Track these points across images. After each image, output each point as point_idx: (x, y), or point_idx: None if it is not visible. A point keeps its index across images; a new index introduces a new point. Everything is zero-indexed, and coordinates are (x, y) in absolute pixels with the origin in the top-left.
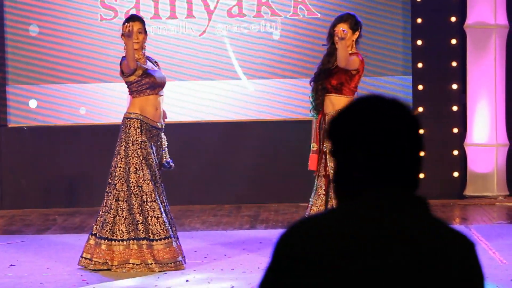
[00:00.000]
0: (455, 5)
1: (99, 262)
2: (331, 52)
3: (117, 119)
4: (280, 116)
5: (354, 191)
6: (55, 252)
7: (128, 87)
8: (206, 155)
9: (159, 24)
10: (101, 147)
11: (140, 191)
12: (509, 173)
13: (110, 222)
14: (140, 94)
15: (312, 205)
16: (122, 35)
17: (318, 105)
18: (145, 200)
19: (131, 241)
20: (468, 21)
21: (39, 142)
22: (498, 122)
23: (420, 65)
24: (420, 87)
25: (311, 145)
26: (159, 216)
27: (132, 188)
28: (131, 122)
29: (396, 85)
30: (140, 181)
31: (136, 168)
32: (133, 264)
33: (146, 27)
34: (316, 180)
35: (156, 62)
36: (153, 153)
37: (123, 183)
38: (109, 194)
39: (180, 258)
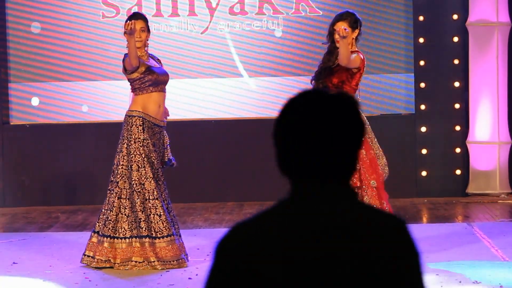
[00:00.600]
0: (457, 2)
1: (101, 260)
2: (331, 50)
3: (120, 116)
4: None
5: (292, 180)
6: (58, 250)
7: (130, 84)
8: (208, 153)
9: (161, 22)
10: (104, 145)
11: (142, 189)
12: None
13: (112, 220)
14: (142, 92)
15: None
16: (125, 32)
17: None
18: (147, 198)
19: (134, 239)
20: (470, 19)
21: (41, 139)
22: (501, 120)
23: (422, 63)
24: (422, 85)
25: None
26: (162, 214)
27: (134, 186)
28: (133, 120)
29: (399, 82)
30: (142, 178)
31: (138, 166)
32: (135, 262)
33: (148, 24)
34: None
35: (159, 59)
36: (155, 150)
37: (125, 181)
38: (112, 192)
39: (182, 256)
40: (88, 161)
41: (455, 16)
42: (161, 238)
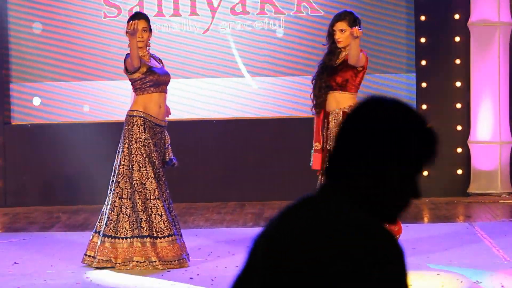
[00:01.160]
0: (459, 2)
1: (103, 260)
2: (332, 50)
3: (121, 116)
4: (283, 114)
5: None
6: (59, 250)
7: (132, 84)
8: (209, 153)
9: (162, 22)
10: (105, 145)
11: (143, 189)
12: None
13: (113, 220)
14: (143, 92)
15: None
16: (127, 32)
17: (320, 103)
18: (148, 197)
19: (135, 239)
20: (472, 19)
21: (43, 139)
22: (502, 120)
23: (423, 62)
24: (424, 84)
25: (314, 144)
26: (163, 213)
27: (135, 185)
28: (134, 120)
29: (400, 82)
30: (144, 178)
31: (139, 165)
32: (137, 261)
33: (150, 24)
34: (319, 178)
35: (160, 59)
36: (157, 150)
37: (126, 181)
38: (113, 192)
39: (184, 256)
40: (89, 161)
41: (456, 16)
42: (162, 238)
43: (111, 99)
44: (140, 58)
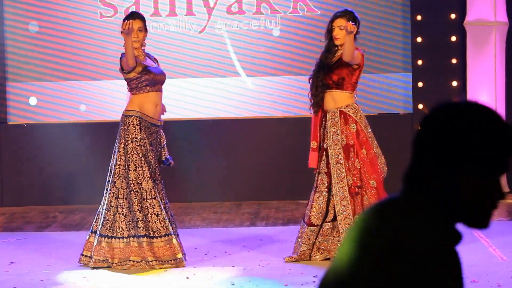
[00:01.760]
0: (455, 2)
1: (99, 260)
2: (329, 48)
3: (117, 116)
4: (280, 113)
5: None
6: (55, 250)
7: (127, 83)
8: (205, 152)
9: (158, 21)
10: (101, 145)
11: (139, 189)
12: (509, 170)
13: (110, 219)
14: (139, 91)
15: (313, 202)
16: (122, 32)
17: (318, 102)
18: (144, 197)
19: (131, 239)
20: (468, 18)
21: (39, 139)
22: None
23: (420, 62)
24: (420, 84)
25: (311, 143)
26: (159, 213)
27: (131, 185)
28: (130, 120)
29: (396, 82)
30: (140, 178)
31: (135, 165)
32: (133, 261)
33: (146, 24)
34: (316, 177)
35: (155, 58)
36: (152, 150)
37: (122, 181)
38: (109, 191)
39: (180, 255)
40: (86, 161)
41: (453, 16)
42: (158, 238)
43: (107, 99)
44: (136, 58)
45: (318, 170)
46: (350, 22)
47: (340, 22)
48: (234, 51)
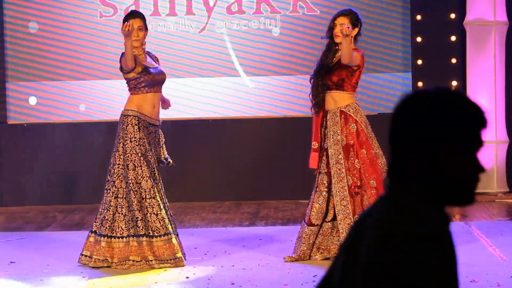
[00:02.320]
0: (455, 1)
1: (99, 259)
2: (330, 47)
3: (117, 116)
4: (279, 113)
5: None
6: (55, 249)
7: (127, 83)
8: (205, 152)
9: (158, 21)
10: (101, 144)
11: (139, 188)
12: (509, 169)
13: (109, 219)
14: (138, 92)
15: (313, 202)
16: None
17: (319, 103)
18: (144, 197)
19: (131, 238)
20: (468, 18)
21: (39, 139)
22: (498, 119)
23: (419, 62)
24: (420, 84)
25: (312, 143)
26: (159, 212)
27: (131, 185)
28: (129, 119)
29: (396, 82)
30: (139, 178)
31: (134, 165)
32: (133, 261)
33: (146, 23)
34: (317, 177)
35: (156, 57)
36: (151, 149)
37: (122, 180)
38: (108, 191)
39: (180, 255)
40: (86, 160)
41: (452, 15)
42: (158, 237)
43: (107, 98)
44: (136, 58)
45: (318, 170)
46: (346, 25)
47: (342, 20)
48: (233, 51)
